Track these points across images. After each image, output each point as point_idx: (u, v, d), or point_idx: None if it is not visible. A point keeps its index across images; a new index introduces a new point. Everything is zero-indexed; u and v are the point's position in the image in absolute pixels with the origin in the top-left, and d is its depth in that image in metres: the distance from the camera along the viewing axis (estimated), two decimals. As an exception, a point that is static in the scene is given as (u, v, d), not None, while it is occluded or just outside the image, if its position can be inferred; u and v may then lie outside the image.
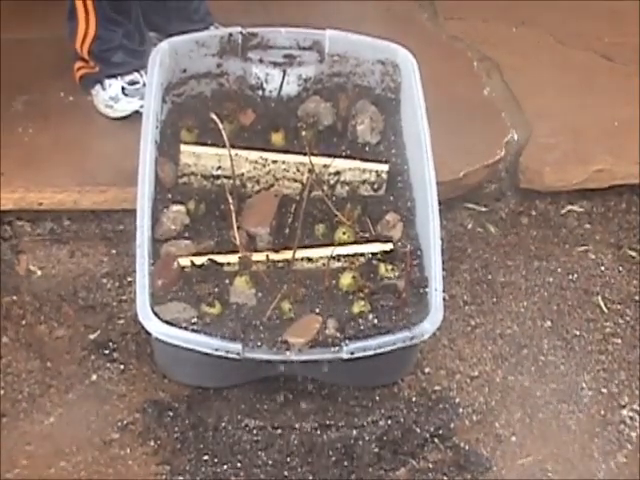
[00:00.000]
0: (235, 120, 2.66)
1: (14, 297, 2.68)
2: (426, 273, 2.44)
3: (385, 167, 2.62)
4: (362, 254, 2.47)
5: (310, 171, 2.53)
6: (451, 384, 2.57)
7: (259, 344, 2.27)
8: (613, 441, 2.47)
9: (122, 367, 2.54)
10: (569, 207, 3.05)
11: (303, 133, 2.67)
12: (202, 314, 2.31)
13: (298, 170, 2.59)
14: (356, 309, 2.35)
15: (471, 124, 3.07)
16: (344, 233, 2.51)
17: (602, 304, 2.80)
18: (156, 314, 2.26)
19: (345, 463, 2.35)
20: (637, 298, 2.82)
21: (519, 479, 2.38)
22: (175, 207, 2.50)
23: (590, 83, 3.33)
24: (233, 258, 2.41)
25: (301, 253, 2.45)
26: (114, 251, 2.79)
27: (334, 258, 2.43)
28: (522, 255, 2.92)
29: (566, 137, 3.08)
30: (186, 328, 2.26)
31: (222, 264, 2.41)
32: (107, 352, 2.56)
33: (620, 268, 2.90)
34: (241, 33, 2.70)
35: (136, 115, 2.88)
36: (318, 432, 2.41)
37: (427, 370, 2.59)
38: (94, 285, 2.72)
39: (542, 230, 3.00)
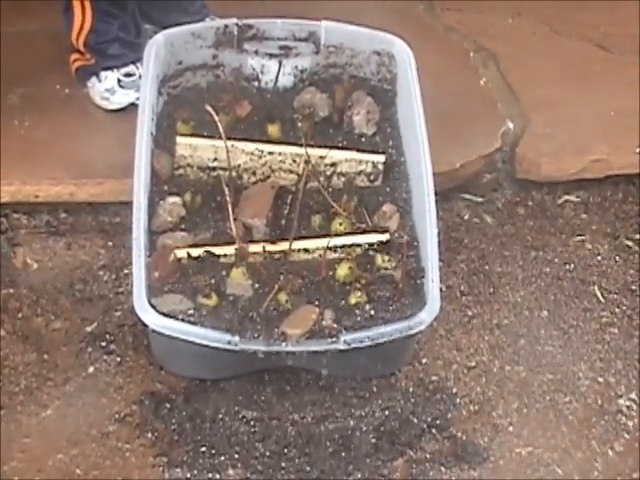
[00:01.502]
0: (231, 112, 2.66)
1: (11, 290, 2.68)
2: (423, 264, 2.44)
3: (381, 158, 2.62)
4: (359, 245, 2.47)
5: (306, 162, 2.53)
6: (448, 374, 2.57)
7: (256, 335, 2.26)
8: (610, 430, 2.47)
9: (119, 359, 2.53)
10: (566, 197, 3.05)
11: (299, 124, 2.67)
12: (199, 306, 2.31)
13: (294, 161, 2.58)
14: (353, 300, 2.35)
15: (467, 115, 3.07)
16: (340, 224, 2.50)
17: (599, 294, 2.80)
18: (153, 306, 2.26)
19: (343, 454, 2.36)
20: (634, 288, 2.82)
21: (516, 469, 2.38)
22: (171, 199, 2.50)
23: (586, 73, 3.33)
24: (229, 250, 2.40)
25: (298, 244, 2.45)
26: (110, 243, 2.79)
27: (331, 249, 2.43)
28: (519, 245, 2.92)
29: (562, 127, 3.08)
30: (183, 320, 2.26)
31: (218, 256, 2.41)
32: (104, 344, 2.56)
33: (617, 258, 2.91)
34: (237, 24, 2.70)
35: (132, 107, 2.88)
36: (315, 423, 2.41)
37: (424, 361, 2.59)
38: (91, 277, 2.72)
39: (539, 220, 3.00)
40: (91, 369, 2.51)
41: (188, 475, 2.29)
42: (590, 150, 3.00)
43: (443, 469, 2.35)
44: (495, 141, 2.99)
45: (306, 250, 2.45)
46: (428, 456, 2.38)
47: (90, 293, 2.69)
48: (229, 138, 2.50)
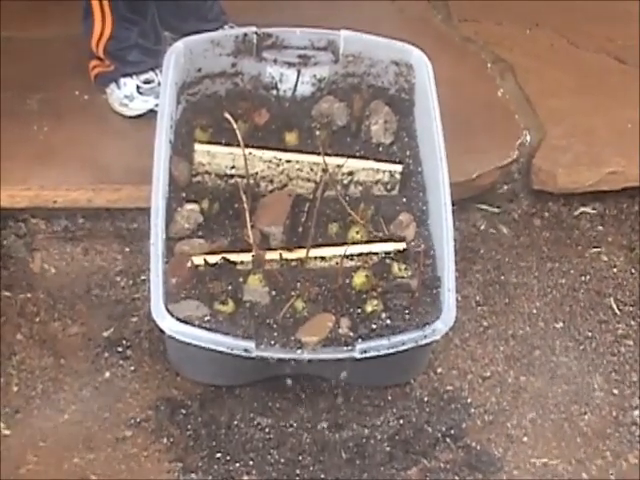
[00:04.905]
0: (249, 120, 2.67)
1: (28, 294, 2.69)
2: (439, 273, 2.44)
3: (399, 167, 2.63)
4: (375, 253, 2.48)
5: (324, 171, 2.53)
6: (463, 384, 2.57)
7: (272, 343, 2.27)
8: (624, 442, 2.47)
9: (135, 365, 2.54)
10: (582, 209, 3.05)
11: (317, 133, 2.68)
12: (215, 312, 2.31)
13: (312, 170, 2.59)
14: (369, 308, 2.36)
15: (484, 125, 3.07)
16: (357, 232, 2.51)
17: (614, 306, 2.80)
18: (169, 312, 2.27)
19: (357, 462, 2.36)
20: (649, 300, 2.83)
21: (530, 480, 2.39)
22: (189, 206, 2.51)
23: (603, 85, 3.33)
24: (246, 257, 2.41)
25: (314, 252, 2.45)
26: (128, 249, 2.81)
27: (347, 257, 2.43)
28: (534, 256, 2.92)
29: (579, 139, 3.08)
30: (199, 326, 2.27)
31: (235, 263, 2.42)
32: (120, 350, 2.57)
33: (632, 270, 2.91)
34: (256, 33, 2.71)
35: (151, 114, 2.89)
36: (330, 431, 2.42)
37: (439, 370, 2.60)
38: (108, 283, 2.74)
39: (555, 232, 3.00)
40: (107, 374, 2.52)
41: (203, 481, 2.31)
42: (606, 162, 3.00)
43: (457, 478, 2.35)
44: (512, 152, 2.99)
45: (323, 258, 2.46)
46: (442, 465, 2.38)
47: (107, 298, 2.70)
48: (247, 146, 2.51)
